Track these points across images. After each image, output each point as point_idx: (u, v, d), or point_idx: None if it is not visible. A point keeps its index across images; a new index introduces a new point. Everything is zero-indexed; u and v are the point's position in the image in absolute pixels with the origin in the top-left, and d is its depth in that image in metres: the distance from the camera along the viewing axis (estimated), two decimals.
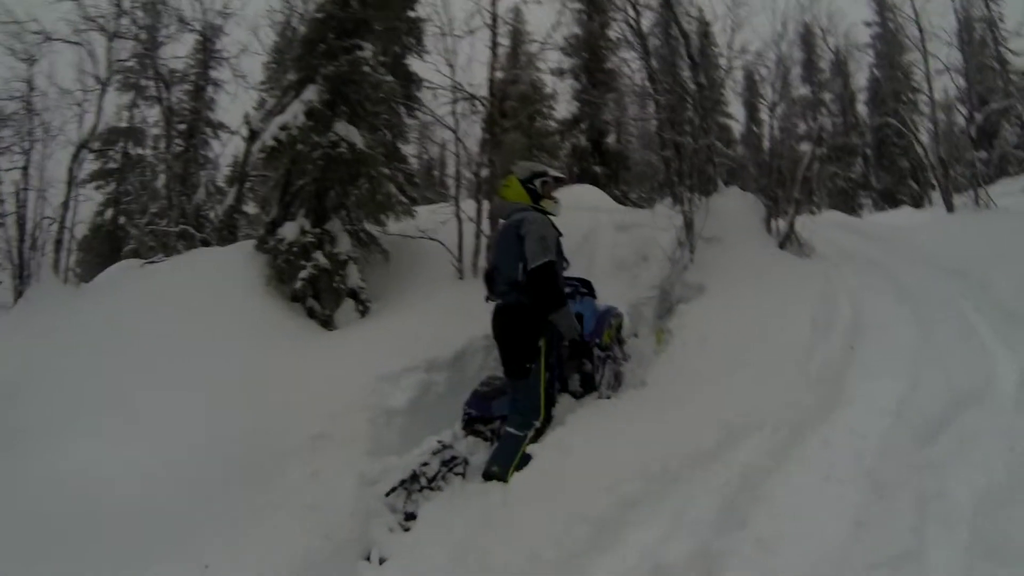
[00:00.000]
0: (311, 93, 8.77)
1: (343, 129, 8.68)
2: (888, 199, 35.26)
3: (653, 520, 3.92)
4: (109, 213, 23.00)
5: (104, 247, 21.81)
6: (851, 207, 34.57)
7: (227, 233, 12.55)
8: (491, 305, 5.91)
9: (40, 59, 11.41)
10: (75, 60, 12.17)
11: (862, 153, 38.53)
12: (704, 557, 3.55)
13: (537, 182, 5.84)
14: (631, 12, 11.74)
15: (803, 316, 6.78)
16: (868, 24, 39.08)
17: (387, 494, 4.99)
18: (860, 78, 39.81)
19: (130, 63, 15.51)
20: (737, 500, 3.97)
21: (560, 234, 5.70)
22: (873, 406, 5.07)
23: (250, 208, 16.09)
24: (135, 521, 4.63)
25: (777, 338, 6.30)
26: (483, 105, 9.88)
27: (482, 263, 8.99)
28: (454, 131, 9.79)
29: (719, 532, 3.71)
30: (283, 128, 8.54)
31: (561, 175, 6.08)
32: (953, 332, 6.60)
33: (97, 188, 22.60)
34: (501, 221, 5.99)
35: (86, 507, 4.67)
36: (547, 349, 5.46)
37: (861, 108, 40.52)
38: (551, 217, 5.73)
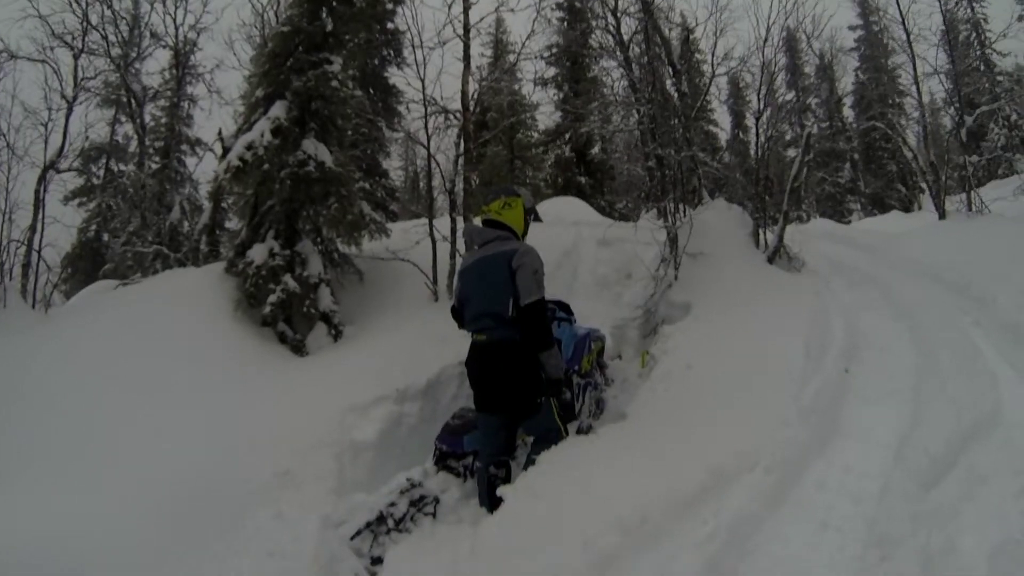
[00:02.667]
0: (279, 109, 8.48)
1: (311, 147, 8.41)
2: (877, 204, 35.39)
3: None
4: (93, 231, 22.72)
5: (89, 265, 21.57)
6: (839, 212, 34.65)
7: (208, 251, 12.25)
8: (466, 331, 5.56)
9: (3, 78, 11.11)
10: (40, 79, 11.81)
11: (850, 158, 38.63)
12: None
13: (530, 217, 5.58)
14: (611, 19, 11.52)
15: (794, 339, 6.45)
16: (852, 28, 39.30)
17: (352, 537, 4.75)
18: (846, 82, 40.03)
19: (101, 80, 15.19)
20: (724, 555, 3.60)
21: None
22: (872, 440, 4.76)
23: (233, 224, 15.87)
24: None
25: (767, 364, 5.97)
26: (455, 119, 9.55)
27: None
28: (426, 147, 9.44)
29: None
30: (249, 147, 8.25)
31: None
32: (954, 353, 6.26)
33: (79, 205, 22.34)
34: (475, 247, 5.53)
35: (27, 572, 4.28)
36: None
37: (847, 112, 40.72)
38: None
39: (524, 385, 5.06)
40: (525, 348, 5.03)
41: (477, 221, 5.73)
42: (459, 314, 5.54)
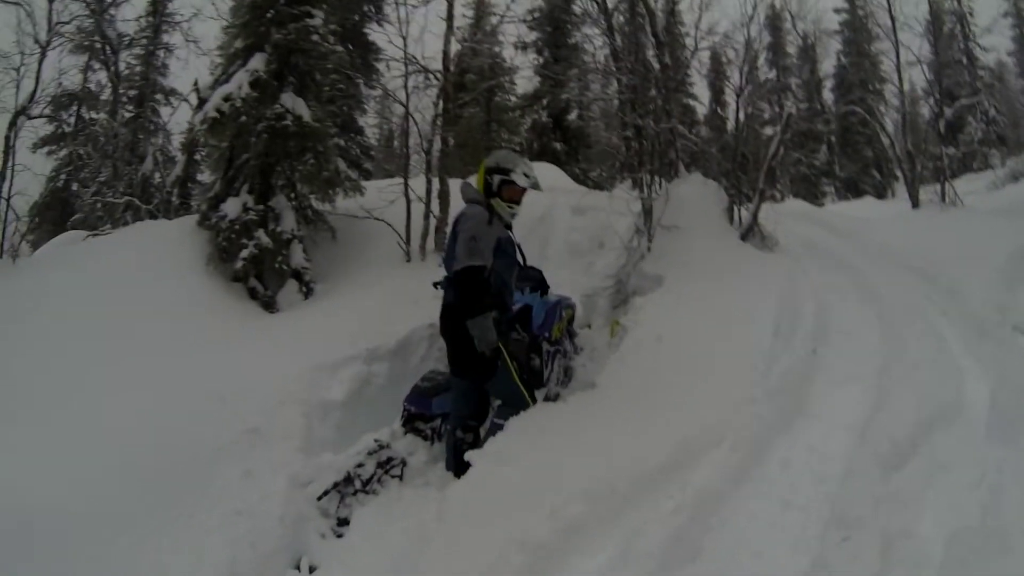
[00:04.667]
0: (258, 62, 8.37)
1: (289, 101, 8.31)
2: (851, 188, 35.54)
3: (598, 550, 3.60)
4: (62, 180, 22.30)
5: (57, 215, 21.19)
6: (814, 194, 34.76)
7: (179, 204, 12.11)
8: (436, 291, 5.71)
9: None
10: (13, 22, 11.54)
11: (827, 140, 38.71)
12: None
13: (496, 178, 5.48)
14: None
15: (764, 317, 6.47)
16: (837, 11, 39.25)
17: (319, 497, 4.78)
18: (828, 65, 40.11)
19: (76, 25, 14.84)
20: (689, 529, 3.63)
21: (506, 234, 5.43)
22: (836, 421, 4.78)
23: (205, 177, 15.69)
24: (51, 538, 4.19)
25: (736, 341, 5.99)
26: (436, 79, 9.46)
27: (430, 245, 8.71)
28: (405, 105, 9.35)
29: (668, 566, 3.40)
30: (226, 99, 8.14)
31: (526, 185, 5.62)
32: (921, 341, 6.32)
33: (49, 154, 21.89)
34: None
35: None
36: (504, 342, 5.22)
37: (827, 95, 40.80)
38: (499, 218, 5.39)
39: (472, 347, 5.03)
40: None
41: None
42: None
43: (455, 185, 9.26)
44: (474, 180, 5.68)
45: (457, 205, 8.62)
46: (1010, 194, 17.07)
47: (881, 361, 5.85)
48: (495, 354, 5.10)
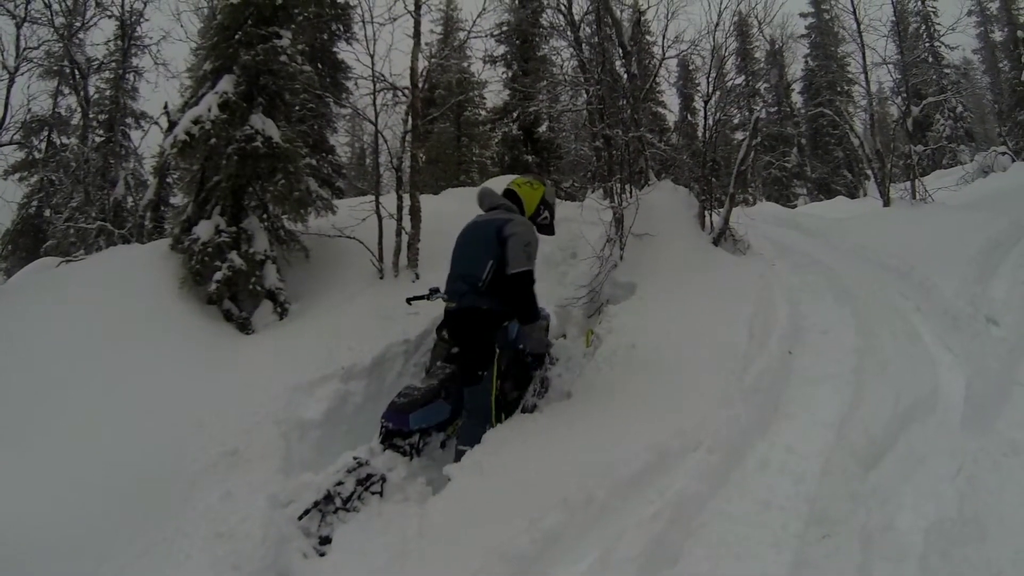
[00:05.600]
0: (226, 84, 8.31)
1: (259, 122, 8.25)
2: (823, 189, 35.89)
3: (578, 558, 3.58)
4: (34, 206, 22.12)
5: (30, 242, 21.01)
6: (786, 196, 35.04)
7: (152, 228, 12.04)
8: (410, 307, 6.01)
9: None
10: None
11: (797, 143, 39.05)
12: None
13: (546, 213, 5.90)
14: None
15: (738, 319, 6.50)
16: (803, 15, 39.68)
17: (300, 517, 4.69)
18: (795, 68, 40.51)
19: (44, 50, 14.78)
20: (668, 534, 3.62)
21: None
22: (813, 420, 4.82)
23: (178, 200, 15.62)
24: (30, 566, 4.14)
25: (711, 345, 6.00)
26: (404, 95, 9.46)
27: (403, 262, 8.65)
28: (374, 123, 9.32)
29: (649, 572, 3.38)
30: (196, 121, 8.06)
31: (550, 234, 6.15)
32: (895, 337, 6.40)
33: (20, 180, 21.66)
34: (481, 210, 5.78)
35: None
36: (499, 355, 5.36)
37: (796, 98, 41.19)
38: None
39: (477, 352, 5.22)
40: (490, 318, 5.23)
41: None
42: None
43: (426, 201, 9.27)
44: (494, 188, 5.97)
45: (431, 220, 8.64)
46: (979, 188, 17.28)
47: (857, 359, 5.88)
48: (488, 365, 5.25)
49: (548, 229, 6.05)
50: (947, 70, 34.33)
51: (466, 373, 5.39)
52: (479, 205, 5.85)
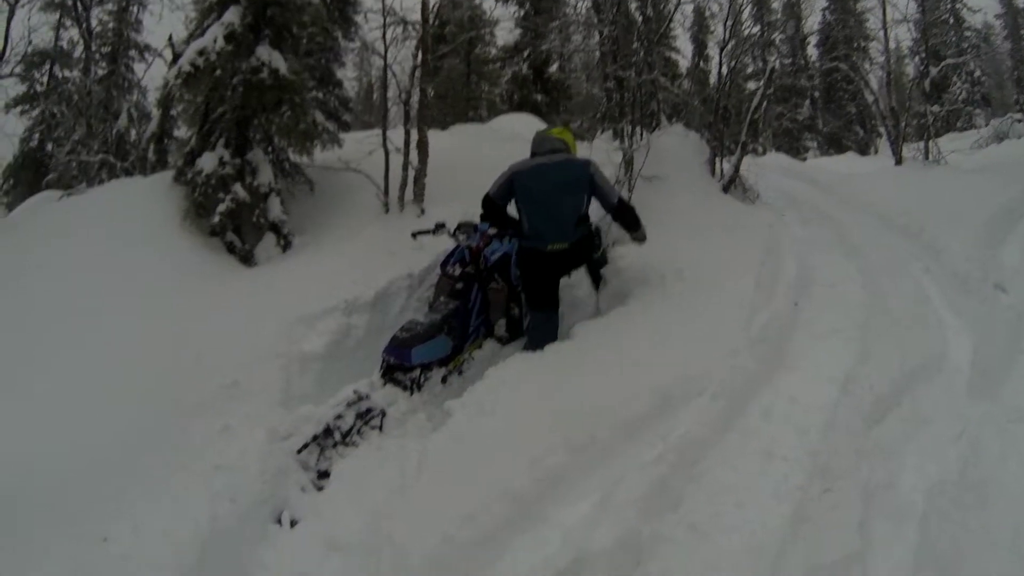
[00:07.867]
0: (232, 15, 8.13)
1: (265, 54, 8.09)
2: (834, 143, 35.60)
3: (579, 499, 3.60)
4: (36, 140, 21.89)
5: (32, 175, 20.82)
6: (796, 149, 34.79)
7: (155, 160, 11.93)
8: (415, 242, 6.29)
9: None
10: None
11: (810, 96, 38.70)
12: (632, 544, 3.25)
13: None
14: None
15: (746, 269, 6.44)
16: None
17: (299, 451, 4.72)
18: (813, 21, 40.02)
19: None
20: (671, 478, 3.63)
21: None
22: (818, 373, 4.77)
23: (181, 133, 15.47)
24: (24, 500, 4.07)
25: (717, 292, 5.94)
26: (415, 30, 9.29)
27: (409, 196, 8.52)
28: (383, 57, 9.17)
29: (650, 515, 3.39)
30: (200, 53, 7.89)
31: None
32: (903, 296, 6.36)
33: (22, 113, 21.41)
34: (539, 154, 5.96)
35: None
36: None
37: (811, 51, 40.75)
38: None
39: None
40: (592, 239, 6.35)
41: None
42: (495, 208, 5.93)
43: (434, 136, 9.16)
44: (548, 132, 6.44)
45: (438, 155, 8.54)
46: (993, 154, 17.05)
47: (863, 315, 5.84)
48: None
49: None
50: (968, 33, 33.90)
51: (553, 297, 5.98)
52: (536, 149, 6.02)
